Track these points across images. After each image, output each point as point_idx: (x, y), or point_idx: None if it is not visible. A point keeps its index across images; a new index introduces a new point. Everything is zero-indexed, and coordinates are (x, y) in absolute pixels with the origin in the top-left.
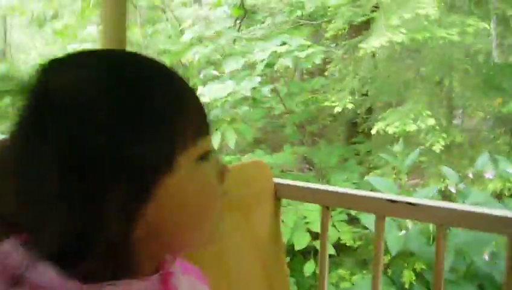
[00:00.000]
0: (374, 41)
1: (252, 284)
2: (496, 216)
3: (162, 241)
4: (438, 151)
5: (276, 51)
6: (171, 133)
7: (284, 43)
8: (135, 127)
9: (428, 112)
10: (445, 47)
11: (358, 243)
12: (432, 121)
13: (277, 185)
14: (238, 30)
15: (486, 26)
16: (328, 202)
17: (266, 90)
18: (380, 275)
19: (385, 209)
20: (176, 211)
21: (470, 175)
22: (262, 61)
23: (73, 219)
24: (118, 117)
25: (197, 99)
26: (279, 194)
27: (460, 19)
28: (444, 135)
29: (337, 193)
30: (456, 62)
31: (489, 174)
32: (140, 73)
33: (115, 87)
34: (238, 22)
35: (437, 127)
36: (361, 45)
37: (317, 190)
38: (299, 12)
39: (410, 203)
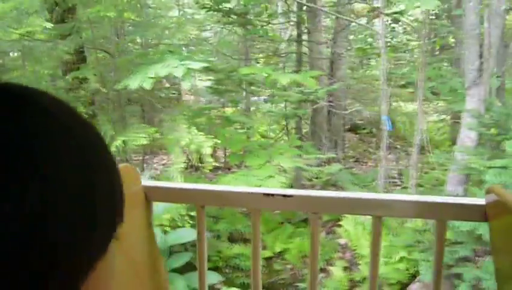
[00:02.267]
0: None
1: None
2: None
3: None
4: None
5: None
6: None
7: None
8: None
9: None
10: None
11: None
12: None
13: (146, 188)
14: None
15: None
16: (202, 201)
17: None
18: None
19: (261, 203)
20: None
21: None
22: None
23: None
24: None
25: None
26: (149, 197)
27: None
28: None
29: (211, 191)
30: None
31: None
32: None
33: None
34: None
35: None
36: None
37: (190, 189)
38: None
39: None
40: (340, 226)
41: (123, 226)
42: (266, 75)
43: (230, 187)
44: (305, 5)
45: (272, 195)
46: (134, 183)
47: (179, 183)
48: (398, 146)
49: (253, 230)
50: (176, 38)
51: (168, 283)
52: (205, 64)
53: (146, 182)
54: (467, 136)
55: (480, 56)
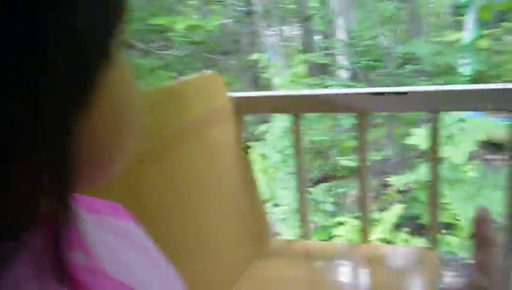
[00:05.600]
0: None
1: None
2: None
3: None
4: None
5: None
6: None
7: None
8: None
9: None
10: None
11: None
12: None
13: (235, 99)
14: None
15: None
16: (300, 109)
17: None
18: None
19: (367, 105)
20: (114, 114)
21: None
22: None
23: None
24: None
25: None
26: (239, 110)
27: None
28: None
29: (309, 96)
30: None
31: None
32: None
33: None
34: None
35: None
36: None
37: (286, 96)
38: None
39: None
40: None
41: (211, 144)
42: None
43: (330, 90)
44: None
45: (382, 94)
46: (219, 94)
47: (271, 92)
48: None
49: (359, 137)
50: None
51: (263, 202)
52: None
53: (234, 93)
54: None
55: None
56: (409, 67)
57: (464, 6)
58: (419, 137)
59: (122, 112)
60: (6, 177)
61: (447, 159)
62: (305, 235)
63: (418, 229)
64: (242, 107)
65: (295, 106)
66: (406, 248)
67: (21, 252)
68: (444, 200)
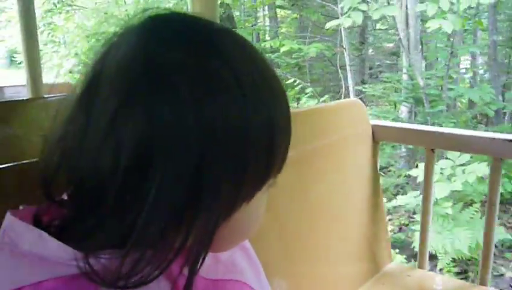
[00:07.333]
0: None
1: (351, 224)
2: None
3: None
4: None
5: None
6: (273, 159)
7: None
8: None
9: None
10: None
11: None
12: None
13: (374, 126)
14: None
15: None
16: (433, 144)
17: None
18: (495, 219)
19: (503, 150)
20: (231, 230)
21: None
22: None
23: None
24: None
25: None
26: (377, 137)
27: None
28: None
29: (444, 133)
30: None
31: None
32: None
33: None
34: None
35: None
36: None
37: (422, 131)
38: None
39: None
40: None
41: (345, 163)
42: None
43: (466, 131)
44: None
45: None
46: (361, 121)
47: (409, 124)
48: None
49: (490, 182)
50: None
51: (386, 226)
52: None
53: (374, 121)
54: None
55: None
56: None
57: None
58: None
59: (248, 221)
60: (166, 241)
61: None
62: (422, 265)
63: None
64: (380, 134)
65: (430, 141)
66: None
67: None
68: None
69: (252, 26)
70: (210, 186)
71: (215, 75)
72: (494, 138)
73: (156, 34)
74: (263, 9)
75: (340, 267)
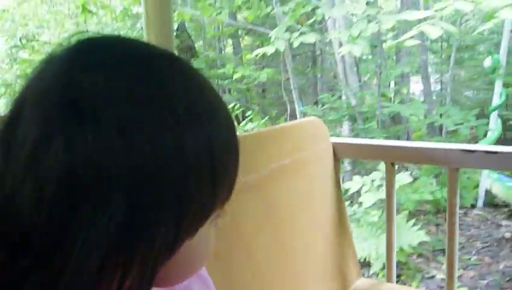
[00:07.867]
0: None
1: (315, 246)
2: None
3: None
4: None
5: None
6: (217, 189)
7: None
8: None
9: None
10: None
11: None
12: None
13: (335, 144)
14: None
15: None
16: (393, 158)
17: None
18: (456, 228)
19: (460, 160)
20: (176, 266)
21: None
22: None
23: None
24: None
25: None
26: (338, 154)
27: None
28: None
29: (402, 147)
30: None
31: None
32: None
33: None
34: None
35: None
36: None
37: (381, 146)
38: None
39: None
40: None
41: (308, 182)
42: None
43: (424, 143)
44: None
45: (472, 151)
46: (322, 139)
47: (369, 140)
48: None
49: (449, 191)
50: None
51: (353, 242)
52: None
53: (334, 138)
54: None
55: None
56: None
57: None
58: None
59: (194, 256)
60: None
61: None
62: (390, 279)
63: None
64: (340, 151)
65: (389, 155)
66: None
67: None
68: None
69: (219, 54)
70: (143, 234)
71: (143, 101)
72: (451, 149)
73: (79, 60)
74: (224, 39)
75: (309, 286)
